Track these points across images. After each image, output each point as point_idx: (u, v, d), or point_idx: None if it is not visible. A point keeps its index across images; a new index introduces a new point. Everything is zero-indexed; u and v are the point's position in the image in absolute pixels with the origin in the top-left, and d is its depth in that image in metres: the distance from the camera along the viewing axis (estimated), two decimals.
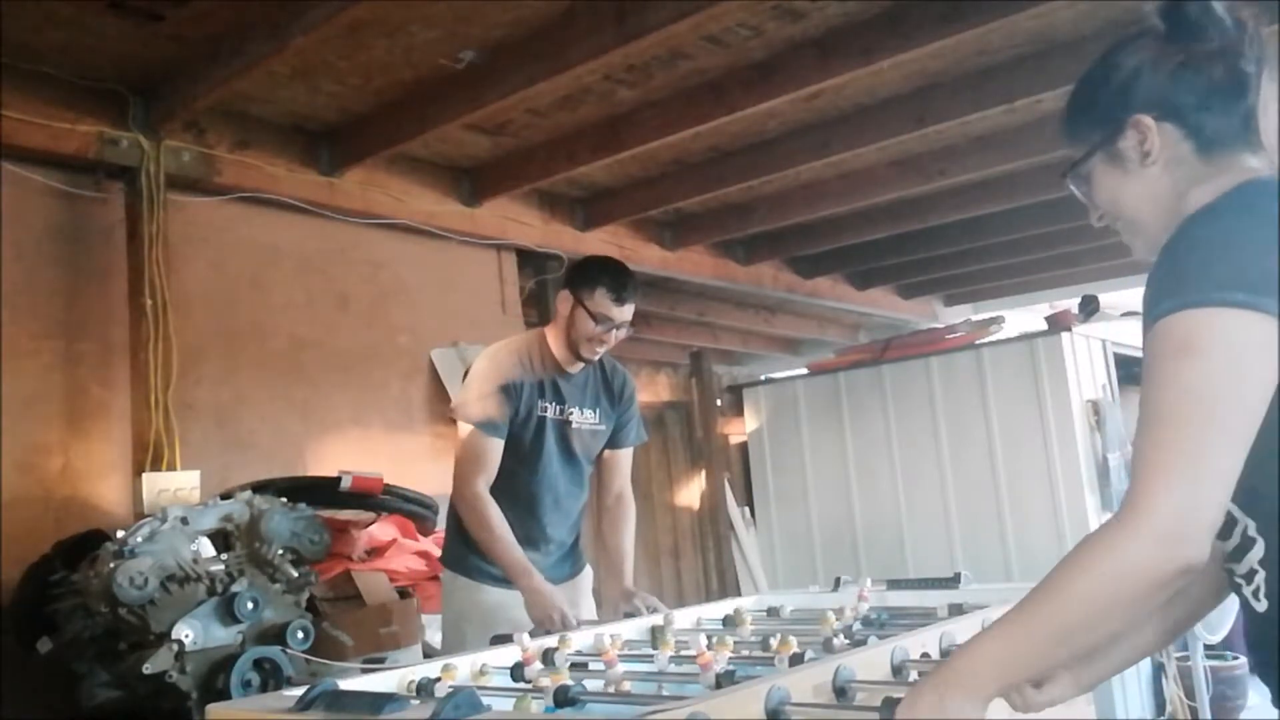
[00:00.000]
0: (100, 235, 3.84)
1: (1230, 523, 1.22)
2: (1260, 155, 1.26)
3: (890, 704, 1.27)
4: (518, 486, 2.78)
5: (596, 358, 2.83)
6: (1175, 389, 1.06)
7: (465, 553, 2.79)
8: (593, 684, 1.74)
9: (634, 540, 2.95)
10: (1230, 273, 1.08)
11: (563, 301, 2.80)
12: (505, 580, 2.69)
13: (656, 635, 2.21)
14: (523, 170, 4.78)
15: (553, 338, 2.84)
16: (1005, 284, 8.03)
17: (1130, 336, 5.25)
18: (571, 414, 2.84)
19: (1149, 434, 1.07)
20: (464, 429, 2.74)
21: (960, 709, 1.13)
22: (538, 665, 1.93)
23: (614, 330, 2.76)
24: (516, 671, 1.93)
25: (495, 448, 2.72)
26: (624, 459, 3.01)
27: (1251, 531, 1.19)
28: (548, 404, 2.80)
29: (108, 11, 3.21)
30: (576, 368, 2.84)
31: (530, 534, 2.79)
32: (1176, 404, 1.06)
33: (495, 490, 2.72)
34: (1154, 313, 1.11)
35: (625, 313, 2.77)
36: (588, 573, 3.02)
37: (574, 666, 1.98)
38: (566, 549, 2.94)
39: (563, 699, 1.59)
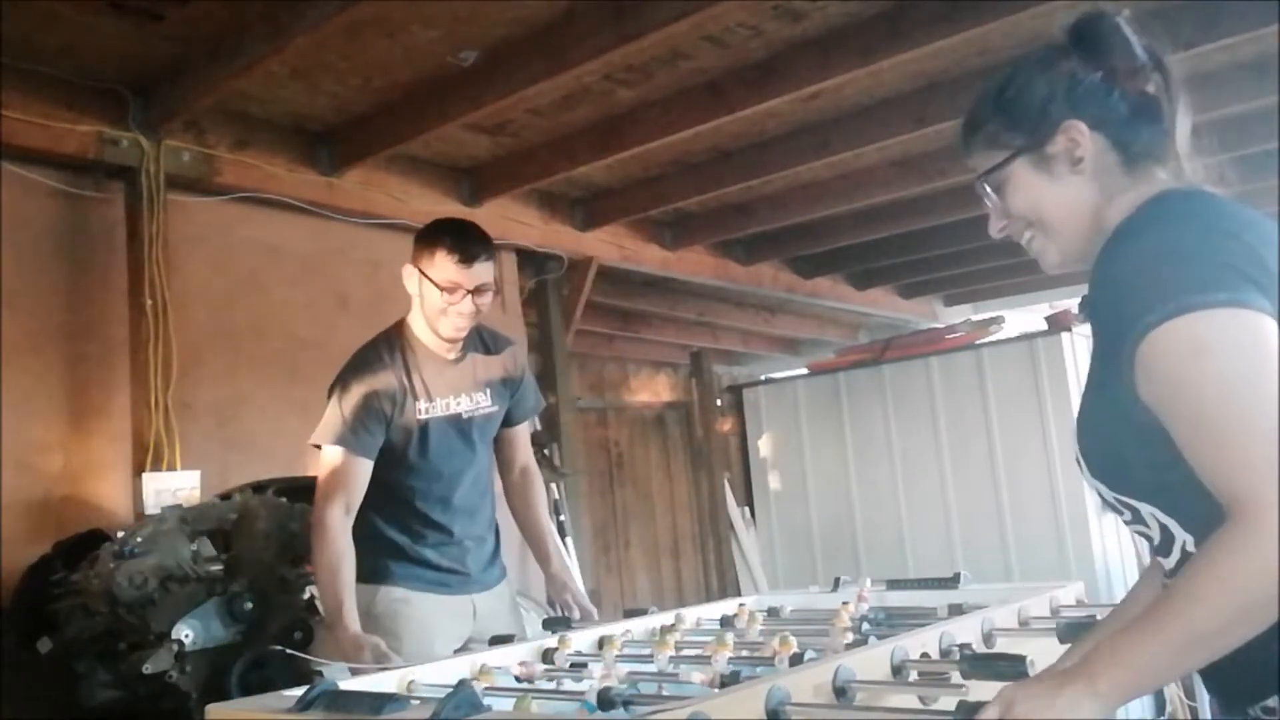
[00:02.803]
0: (100, 235, 3.84)
1: (1169, 539, 1.23)
2: (1169, 169, 1.28)
3: (966, 707, 1.20)
4: (418, 500, 2.53)
5: (460, 334, 2.49)
6: (1211, 389, 1.07)
7: (384, 559, 2.52)
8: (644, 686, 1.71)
9: (548, 515, 2.74)
10: (1200, 278, 1.10)
11: (408, 278, 2.47)
12: (431, 584, 2.52)
13: (654, 635, 2.20)
14: (523, 170, 4.78)
15: (416, 324, 2.51)
16: (1005, 284, 8.03)
17: None
18: (459, 404, 2.54)
19: (1218, 439, 1.06)
20: (322, 452, 2.42)
21: (1075, 707, 1.07)
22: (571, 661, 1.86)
23: (469, 297, 2.40)
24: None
25: (356, 467, 2.39)
26: (524, 432, 2.76)
27: (1190, 546, 1.20)
28: (427, 402, 2.49)
29: (108, 11, 3.21)
30: (452, 350, 2.53)
31: (448, 546, 2.56)
32: (1223, 403, 1.06)
33: (397, 511, 2.50)
34: (1137, 329, 1.11)
35: (477, 274, 2.40)
36: (510, 578, 2.79)
37: (574, 666, 1.97)
38: (490, 549, 2.68)
39: (605, 700, 1.56)
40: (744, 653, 1.93)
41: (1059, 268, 1.33)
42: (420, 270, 2.44)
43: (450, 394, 2.54)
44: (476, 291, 2.42)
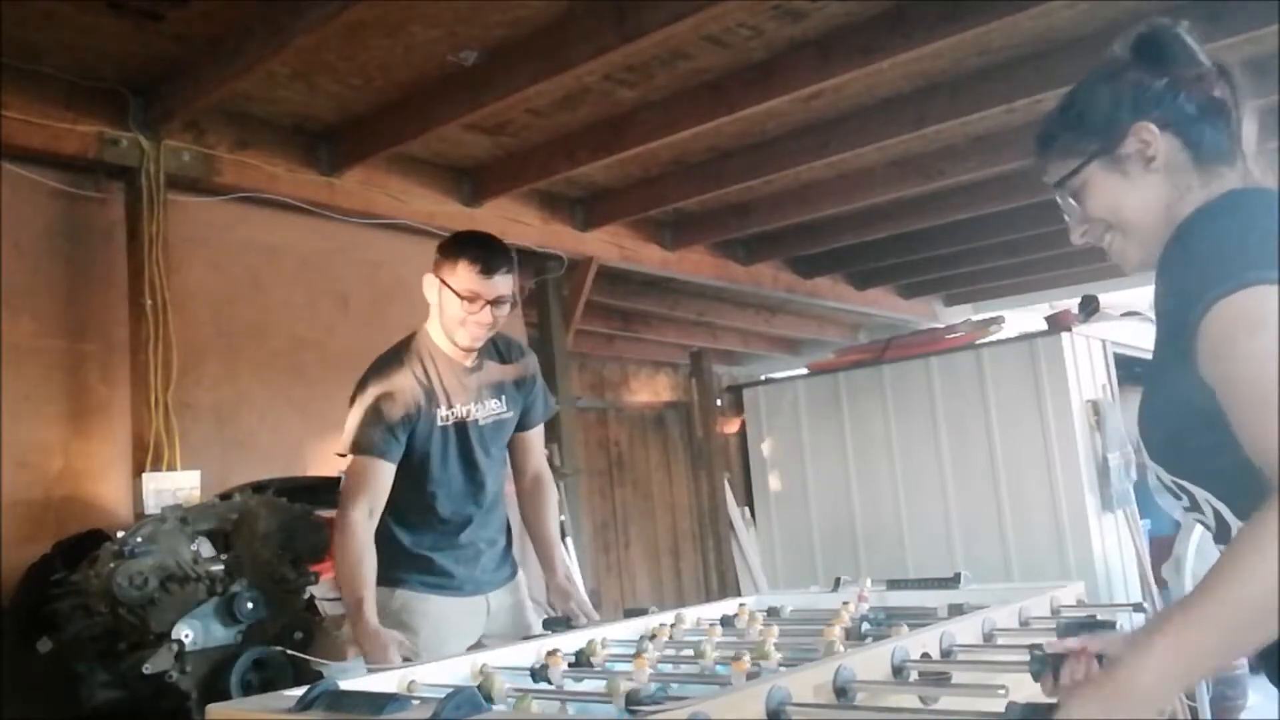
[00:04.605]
0: (100, 235, 3.84)
1: (1224, 526, 1.24)
2: (1236, 171, 1.32)
3: (1016, 708, 1.19)
4: (436, 505, 2.57)
5: (477, 343, 2.55)
6: (1261, 362, 1.07)
7: (397, 565, 2.57)
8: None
9: (558, 524, 2.79)
10: (1261, 257, 1.12)
11: (428, 288, 2.54)
12: (445, 588, 2.56)
13: (641, 640, 2.18)
14: (523, 170, 4.78)
15: (434, 332, 2.58)
16: (1005, 284, 8.04)
17: (1130, 336, 5.26)
18: (475, 410, 2.60)
19: (1262, 411, 1.06)
20: (348, 459, 2.49)
21: (1116, 705, 1.05)
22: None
23: (488, 308, 2.48)
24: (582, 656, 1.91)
25: (381, 471, 2.45)
26: (536, 438, 2.82)
27: None
28: (447, 409, 2.55)
29: (108, 11, 3.21)
30: (469, 359, 2.59)
31: (462, 550, 2.61)
32: (1270, 376, 1.06)
33: (413, 516, 2.56)
34: (1200, 305, 1.13)
35: (497, 286, 2.47)
36: (522, 576, 2.83)
37: (572, 666, 1.97)
38: (501, 549, 2.75)
39: (634, 700, 1.54)
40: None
41: (1139, 268, 1.35)
42: (442, 280, 2.50)
43: (469, 400, 2.60)
44: (495, 302, 2.48)
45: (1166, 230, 1.30)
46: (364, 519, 2.41)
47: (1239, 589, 1.02)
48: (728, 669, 1.68)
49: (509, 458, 2.80)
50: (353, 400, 2.54)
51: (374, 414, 2.47)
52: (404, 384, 2.51)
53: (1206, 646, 1.04)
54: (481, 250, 2.49)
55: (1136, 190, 1.33)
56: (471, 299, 2.47)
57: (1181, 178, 1.31)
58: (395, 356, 2.58)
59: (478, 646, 2.37)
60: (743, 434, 6.53)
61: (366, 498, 2.42)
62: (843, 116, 4.55)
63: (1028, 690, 1.41)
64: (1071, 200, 1.40)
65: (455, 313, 2.49)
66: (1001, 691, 1.42)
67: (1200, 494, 1.26)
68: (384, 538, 2.55)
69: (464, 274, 2.47)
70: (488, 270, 2.47)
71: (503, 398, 2.67)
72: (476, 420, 2.61)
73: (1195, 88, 1.32)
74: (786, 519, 6.01)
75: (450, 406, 2.56)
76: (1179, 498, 1.30)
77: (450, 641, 2.46)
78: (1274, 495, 1.02)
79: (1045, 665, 1.23)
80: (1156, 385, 1.31)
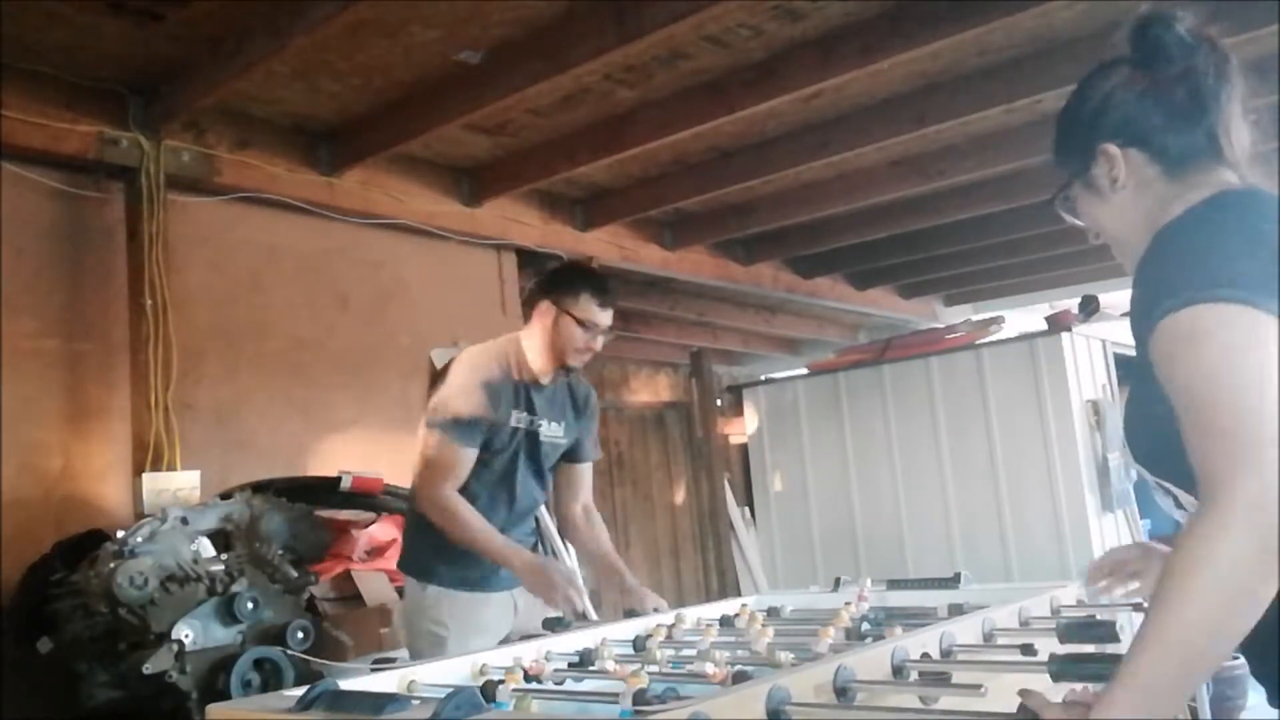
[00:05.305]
0: (100, 235, 3.84)
1: None
2: (1230, 168, 1.31)
3: (1028, 710, 1.16)
4: (485, 493, 2.74)
5: (582, 364, 2.82)
6: (1197, 376, 1.09)
7: (431, 559, 2.74)
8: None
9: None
10: (1213, 274, 1.13)
11: (543, 312, 2.76)
12: (475, 584, 2.70)
13: (639, 640, 2.18)
14: (523, 170, 4.78)
15: (531, 348, 2.79)
16: (1005, 284, 8.03)
17: (1130, 336, 5.26)
18: (540, 425, 2.80)
19: (1195, 424, 1.08)
20: (434, 434, 2.68)
21: None
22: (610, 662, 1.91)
23: (600, 336, 2.76)
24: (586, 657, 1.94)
25: (467, 457, 2.67)
26: (587, 472, 3.02)
27: None
28: (521, 413, 2.76)
29: (108, 11, 3.21)
30: (550, 379, 2.81)
31: None
32: (1205, 389, 1.08)
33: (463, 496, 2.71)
34: (1151, 319, 1.15)
35: (609, 316, 2.78)
36: None
37: (572, 665, 1.97)
38: (530, 547, 2.90)
39: (642, 701, 1.55)
40: (740, 652, 1.93)
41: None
42: (562, 308, 2.73)
43: (535, 414, 2.79)
44: (605, 331, 2.77)
45: (1150, 237, 1.30)
46: (453, 491, 2.64)
47: (1179, 610, 1.01)
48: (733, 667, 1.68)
49: (561, 487, 3.01)
50: (447, 378, 2.73)
51: (472, 405, 2.66)
52: (502, 384, 2.71)
53: (1164, 673, 1.03)
54: (600, 283, 2.78)
55: (1111, 208, 1.36)
56: (591, 328, 2.72)
57: (1155, 189, 1.31)
58: (499, 354, 2.77)
59: (506, 642, 2.42)
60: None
61: (452, 480, 2.65)
62: (843, 116, 4.55)
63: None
64: (1068, 216, 1.44)
65: (574, 339, 2.72)
66: (981, 691, 1.43)
67: (1184, 496, 1.27)
68: (421, 531, 2.73)
69: (586, 305, 2.72)
70: (605, 304, 2.75)
71: (563, 422, 2.87)
72: (538, 433, 2.81)
73: (1175, 88, 1.30)
74: (786, 519, 6.02)
75: (530, 415, 2.77)
76: (1165, 496, 1.31)
77: (481, 636, 2.58)
78: (1203, 506, 1.03)
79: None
80: (1138, 389, 1.32)
